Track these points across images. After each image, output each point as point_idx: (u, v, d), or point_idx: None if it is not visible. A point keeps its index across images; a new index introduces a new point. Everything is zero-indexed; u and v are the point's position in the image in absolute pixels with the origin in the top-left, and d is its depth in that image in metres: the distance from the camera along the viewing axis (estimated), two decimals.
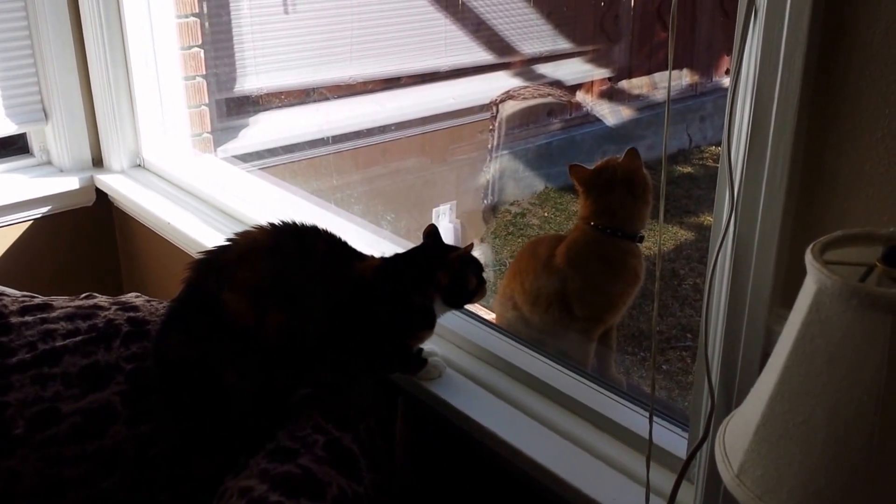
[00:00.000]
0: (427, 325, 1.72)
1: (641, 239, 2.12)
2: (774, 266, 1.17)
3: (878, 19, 1.02)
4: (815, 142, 1.11)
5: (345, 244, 1.70)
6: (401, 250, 1.79)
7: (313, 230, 1.67)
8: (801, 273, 0.88)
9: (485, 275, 1.75)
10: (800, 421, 0.89)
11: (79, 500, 1.61)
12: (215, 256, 1.64)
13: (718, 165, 1.22)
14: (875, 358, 0.83)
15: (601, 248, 2.13)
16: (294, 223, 1.66)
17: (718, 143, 5.76)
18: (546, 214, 5.16)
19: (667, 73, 5.88)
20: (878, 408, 0.83)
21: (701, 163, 5.67)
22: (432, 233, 1.76)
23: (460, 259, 1.68)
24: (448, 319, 1.82)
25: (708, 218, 4.94)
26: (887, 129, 1.04)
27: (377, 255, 1.74)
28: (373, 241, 2.19)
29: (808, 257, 0.89)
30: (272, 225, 1.65)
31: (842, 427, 0.86)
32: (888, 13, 1.01)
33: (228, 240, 1.65)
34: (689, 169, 5.60)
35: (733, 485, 0.96)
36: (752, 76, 1.14)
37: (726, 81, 6.08)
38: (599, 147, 5.48)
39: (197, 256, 1.66)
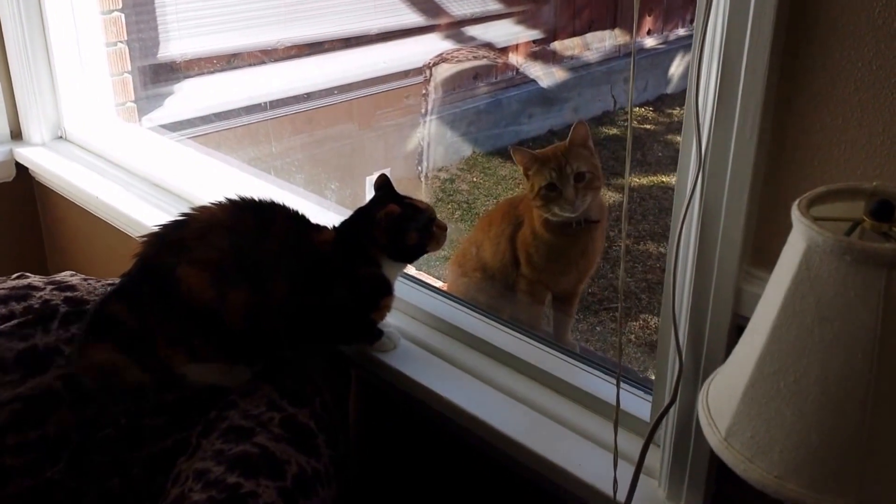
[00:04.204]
0: (384, 292, 1.67)
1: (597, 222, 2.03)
2: (745, 223, 1.14)
3: None
4: (786, 95, 1.09)
5: (302, 217, 1.65)
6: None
7: (271, 204, 1.63)
8: (773, 230, 0.85)
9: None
10: (791, 381, 0.87)
11: (23, 490, 1.54)
12: (171, 231, 1.58)
13: (683, 118, 1.19)
14: (869, 314, 0.82)
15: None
16: (252, 198, 1.61)
17: (643, 104, 5.82)
18: (475, 179, 5.14)
19: (597, 33, 5.93)
20: (872, 365, 0.82)
21: (626, 124, 5.70)
22: (383, 184, 1.72)
23: (387, 216, 1.62)
24: (401, 290, 1.78)
25: (635, 179, 4.97)
26: (861, 81, 1.02)
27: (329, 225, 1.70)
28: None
29: (796, 213, 0.87)
30: (230, 200, 1.60)
31: (835, 386, 0.84)
32: None
33: (184, 215, 1.59)
34: (614, 130, 5.65)
35: (721, 448, 0.94)
36: (720, 27, 1.10)
37: (648, 42, 6.15)
38: (526, 110, 5.49)
39: (151, 230, 1.60)
